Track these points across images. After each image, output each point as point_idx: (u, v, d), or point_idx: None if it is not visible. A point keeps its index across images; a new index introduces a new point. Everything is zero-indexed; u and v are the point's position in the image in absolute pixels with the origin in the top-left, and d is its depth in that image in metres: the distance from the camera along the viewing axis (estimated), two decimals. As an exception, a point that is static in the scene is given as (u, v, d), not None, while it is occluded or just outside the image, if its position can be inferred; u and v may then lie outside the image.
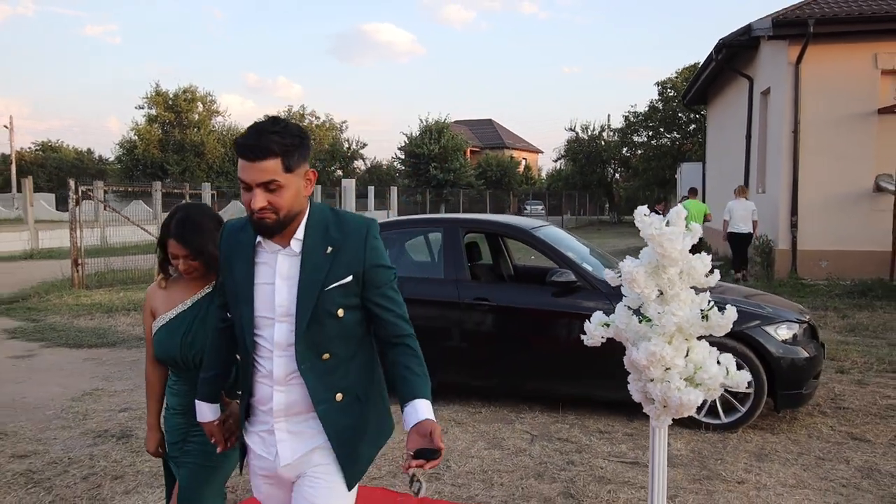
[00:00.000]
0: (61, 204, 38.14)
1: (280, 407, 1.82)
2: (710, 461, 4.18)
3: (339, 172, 48.83)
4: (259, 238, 1.81)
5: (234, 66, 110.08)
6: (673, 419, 3.02)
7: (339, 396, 1.81)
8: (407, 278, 5.82)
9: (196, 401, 2.08)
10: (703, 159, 23.40)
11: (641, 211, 2.99)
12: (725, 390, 4.74)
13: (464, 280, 5.41)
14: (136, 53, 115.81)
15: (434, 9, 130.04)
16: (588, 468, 4.07)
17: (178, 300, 2.32)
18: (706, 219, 13.46)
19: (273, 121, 1.74)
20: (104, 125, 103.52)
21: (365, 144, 53.95)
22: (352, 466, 1.84)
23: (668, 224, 2.96)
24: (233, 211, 31.23)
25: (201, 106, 52.22)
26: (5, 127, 50.11)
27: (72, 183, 11.66)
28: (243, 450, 1.98)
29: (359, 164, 52.00)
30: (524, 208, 42.64)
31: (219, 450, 2.09)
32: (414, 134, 42.51)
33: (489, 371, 5.34)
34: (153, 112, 49.87)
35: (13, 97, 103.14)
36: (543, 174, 58.31)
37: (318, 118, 52.96)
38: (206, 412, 2.05)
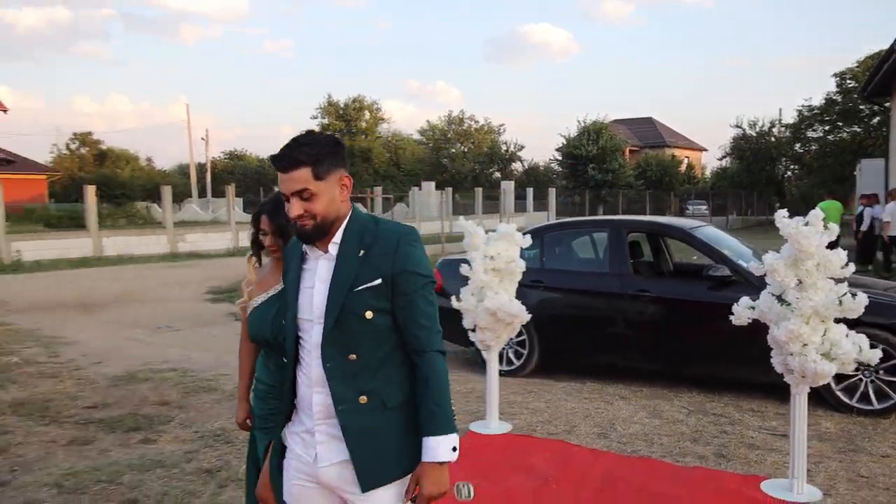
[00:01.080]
0: (247, 207, 42.61)
1: (319, 408, 1.83)
2: (858, 438, 4.62)
3: (498, 175, 50.13)
4: (304, 245, 1.90)
5: (397, 73, 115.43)
6: (825, 401, 3.61)
7: (362, 399, 1.80)
8: (575, 272, 6.65)
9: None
10: (887, 156, 21.93)
11: (781, 213, 3.64)
12: (880, 379, 5.12)
13: (626, 274, 6.14)
14: (307, 66, 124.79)
15: (590, 5, 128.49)
16: (739, 437, 4.66)
17: (271, 284, 2.41)
18: (842, 219, 14.42)
19: (306, 134, 1.83)
20: (280, 133, 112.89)
21: (522, 147, 54.98)
22: (368, 468, 1.79)
23: (806, 224, 3.58)
24: (399, 214, 33.15)
25: (368, 114, 55.53)
26: (202, 139, 56.30)
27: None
28: (276, 449, 2.00)
29: (516, 166, 53.08)
30: (686, 208, 41.55)
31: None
32: (571, 135, 42.83)
33: (650, 355, 6.02)
34: (325, 121, 53.78)
35: (200, 110, 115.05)
36: (708, 172, 56.23)
37: (476, 122, 54.65)
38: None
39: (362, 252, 1.81)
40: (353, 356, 1.80)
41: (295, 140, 1.80)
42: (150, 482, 3.92)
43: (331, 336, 1.79)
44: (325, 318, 1.80)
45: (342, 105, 54.25)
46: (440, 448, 1.75)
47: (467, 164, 50.67)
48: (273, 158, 1.79)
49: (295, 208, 1.78)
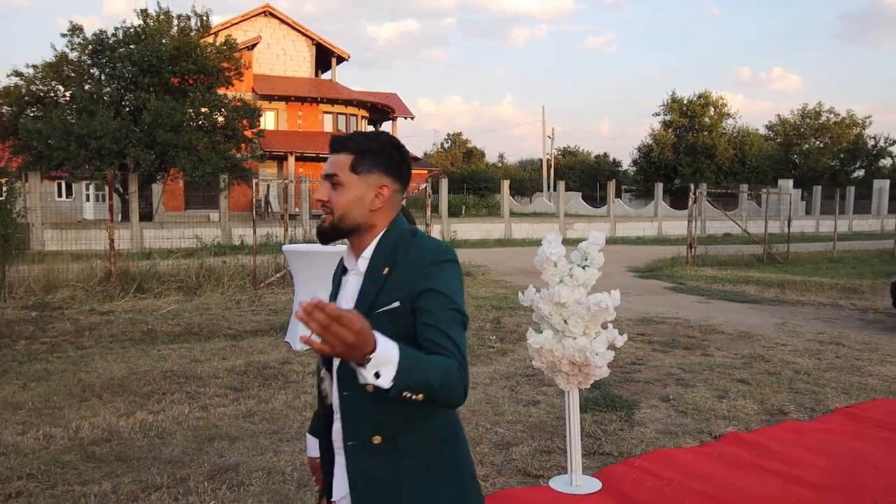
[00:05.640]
0: (587, 200, 45.69)
1: (337, 436, 1.69)
2: None
3: (861, 172, 46.09)
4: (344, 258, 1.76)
5: (725, 61, 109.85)
6: None
7: (376, 438, 1.61)
8: None
9: (306, 433, 1.97)
10: None
11: None
12: None
13: None
14: (630, 59, 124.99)
15: None
16: None
17: None
18: None
19: (373, 131, 1.73)
20: (598, 128, 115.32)
21: (894, 141, 49.45)
22: None
23: None
24: (750, 212, 33.05)
25: (713, 110, 54.87)
26: (549, 137, 61.05)
27: (692, 186, 15.66)
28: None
29: (885, 162, 48.09)
30: None
31: (316, 489, 1.92)
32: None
33: None
34: (668, 118, 54.45)
35: (527, 107, 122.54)
36: None
37: (836, 115, 50.65)
38: (312, 446, 1.91)
39: (387, 270, 1.62)
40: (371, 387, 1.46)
41: (357, 131, 1.72)
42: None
43: (348, 364, 1.53)
44: None
45: (686, 102, 54.42)
46: (386, 346, 1.35)
47: (822, 160, 47.42)
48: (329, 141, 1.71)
49: (321, 191, 1.66)
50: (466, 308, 1.64)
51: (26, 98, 20.85)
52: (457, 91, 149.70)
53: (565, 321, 3.69)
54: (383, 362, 1.35)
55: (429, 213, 12.88)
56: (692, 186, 15.61)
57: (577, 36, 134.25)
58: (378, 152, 1.66)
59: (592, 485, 3.80)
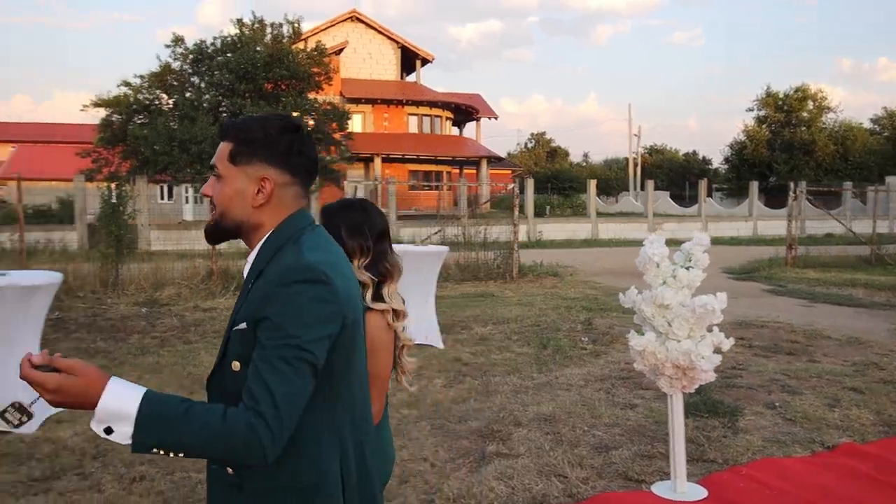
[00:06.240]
0: (676, 200, 44.35)
1: None
2: None
3: None
4: None
5: (823, 52, 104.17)
6: None
7: (230, 469, 1.40)
8: None
9: None
10: None
11: None
12: None
13: None
14: (719, 53, 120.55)
15: None
16: None
17: None
18: None
19: (270, 113, 1.53)
20: (685, 125, 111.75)
21: None
22: None
23: None
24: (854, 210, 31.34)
25: (811, 103, 52.27)
26: (635, 135, 59.64)
27: (791, 184, 14.98)
28: None
29: None
30: None
31: None
32: None
33: None
34: (762, 113, 52.22)
35: (611, 105, 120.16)
36: None
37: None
38: None
39: (252, 283, 1.41)
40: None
41: (247, 116, 1.47)
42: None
43: (213, 379, 1.46)
44: (217, 357, 1.46)
45: (782, 96, 52.05)
46: (120, 399, 1.23)
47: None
48: None
49: (206, 185, 1.49)
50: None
51: (134, 106, 22.12)
52: (540, 90, 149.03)
53: (669, 323, 3.61)
54: (114, 418, 1.23)
55: (516, 213, 12.83)
56: (792, 185, 14.92)
57: (663, 31, 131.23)
58: (259, 140, 1.44)
59: (698, 492, 3.70)
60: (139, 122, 22.11)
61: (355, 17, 36.30)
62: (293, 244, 1.41)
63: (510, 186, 13.71)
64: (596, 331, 8.17)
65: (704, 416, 4.94)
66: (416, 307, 7.23)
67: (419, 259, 7.21)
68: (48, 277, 4.98)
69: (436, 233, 11.84)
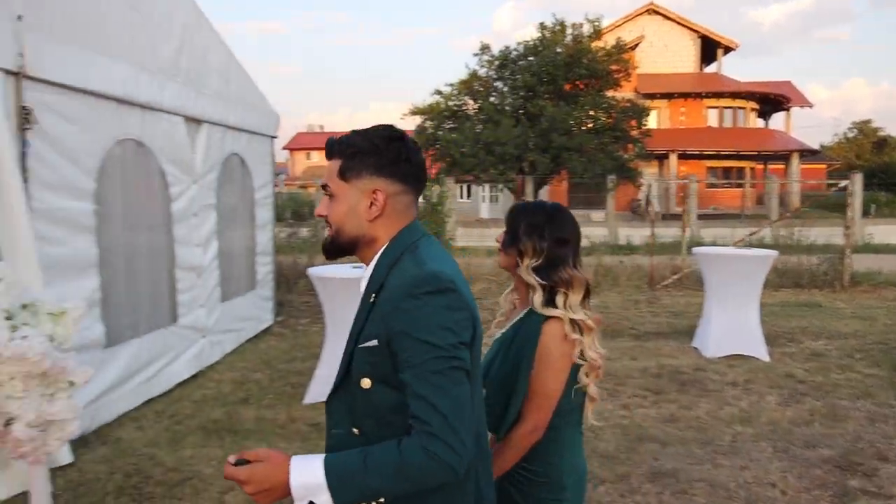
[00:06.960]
0: None
1: None
2: None
3: None
4: None
5: None
6: None
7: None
8: None
9: None
10: None
11: None
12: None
13: None
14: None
15: None
16: None
17: (508, 316, 2.04)
18: None
19: (373, 126, 1.48)
20: None
21: None
22: None
23: None
24: None
25: None
26: None
27: None
28: None
29: None
30: None
31: None
32: None
33: None
34: None
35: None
36: None
37: None
38: None
39: (374, 297, 1.39)
40: (356, 430, 1.39)
41: (353, 130, 1.48)
42: None
43: (336, 399, 1.44)
44: (337, 375, 1.44)
45: None
46: (306, 472, 1.26)
47: None
48: None
49: (320, 205, 1.49)
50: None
51: (444, 113, 24.05)
52: (860, 72, 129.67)
53: None
54: (310, 492, 1.24)
55: (849, 213, 11.33)
56: None
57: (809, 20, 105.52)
58: (367, 151, 1.41)
59: None
60: (448, 127, 23.96)
61: (652, 10, 35.13)
62: (411, 254, 1.40)
63: (842, 183, 12.15)
64: (967, 356, 6.84)
65: None
66: (737, 315, 6.75)
67: (741, 262, 6.73)
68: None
69: (752, 234, 10.90)
